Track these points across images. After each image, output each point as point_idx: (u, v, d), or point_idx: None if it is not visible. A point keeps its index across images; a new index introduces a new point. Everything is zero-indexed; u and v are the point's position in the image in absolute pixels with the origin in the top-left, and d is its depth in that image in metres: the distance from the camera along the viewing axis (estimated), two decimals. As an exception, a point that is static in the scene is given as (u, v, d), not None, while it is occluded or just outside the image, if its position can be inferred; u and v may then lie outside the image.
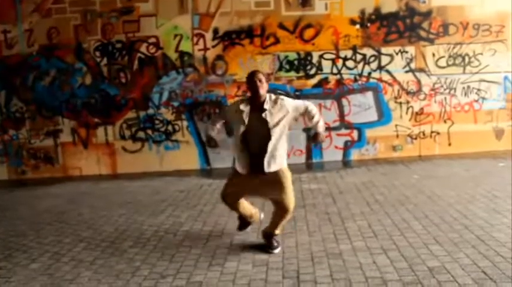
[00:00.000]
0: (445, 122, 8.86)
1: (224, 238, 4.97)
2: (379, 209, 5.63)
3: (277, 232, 4.59)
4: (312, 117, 4.54)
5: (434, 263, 4.04)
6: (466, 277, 3.74)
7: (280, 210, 4.43)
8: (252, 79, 4.31)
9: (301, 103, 4.54)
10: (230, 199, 4.61)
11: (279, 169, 4.39)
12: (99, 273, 4.24)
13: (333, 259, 4.26)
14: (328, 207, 5.67)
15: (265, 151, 4.29)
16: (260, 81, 4.29)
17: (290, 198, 4.38)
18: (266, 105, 4.31)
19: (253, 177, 4.41)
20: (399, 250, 4.39)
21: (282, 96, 4.46)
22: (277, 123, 4.32)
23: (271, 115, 4.31)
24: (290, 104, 4.41)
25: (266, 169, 4.32)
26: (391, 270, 3.96)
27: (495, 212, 5.34)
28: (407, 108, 8.77)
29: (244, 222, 4.96)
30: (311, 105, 4.52)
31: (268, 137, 4.30)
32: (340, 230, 5.01)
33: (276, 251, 4.50)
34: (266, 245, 4.57)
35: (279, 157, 4.38)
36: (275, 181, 4.37)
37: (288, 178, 4.44)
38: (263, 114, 4.29)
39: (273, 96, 4.40)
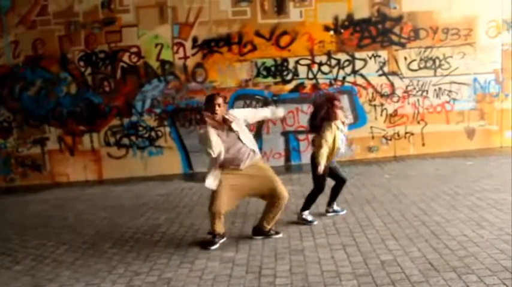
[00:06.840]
0: (418, 123, 9.22)
1: (197, 239, 5.26)
2: (345, 208, 5.96)
3: (269, 226, 5.08)
4: (265, 116, 5.19)
5: (387, 257, 4.37)
6: (414, 269, 4.08)
7: (275, 199, 4.93)
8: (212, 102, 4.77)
9: (247, 111, 5.08)
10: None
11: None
12: (78, 272, 4.55)
13: (294, 255, 4.59)
14: (299, 207, 5.98)
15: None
16: (219, 105, 4.76)
17: (281, 185, 4.95)
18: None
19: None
20: (357, 245, 4.72)
21: (230, 111, 5.02)
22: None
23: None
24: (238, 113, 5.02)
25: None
26: (346, 264, 4.29)
27: (453, 208, 5.69)
28: (382, 111, 9.12)
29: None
30: (255, 110, 4.98)
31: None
32: (306, 228, 5.35)
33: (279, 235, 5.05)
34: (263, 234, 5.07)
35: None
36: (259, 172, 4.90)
37: (269, 167, 5.08)
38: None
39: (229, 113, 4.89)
